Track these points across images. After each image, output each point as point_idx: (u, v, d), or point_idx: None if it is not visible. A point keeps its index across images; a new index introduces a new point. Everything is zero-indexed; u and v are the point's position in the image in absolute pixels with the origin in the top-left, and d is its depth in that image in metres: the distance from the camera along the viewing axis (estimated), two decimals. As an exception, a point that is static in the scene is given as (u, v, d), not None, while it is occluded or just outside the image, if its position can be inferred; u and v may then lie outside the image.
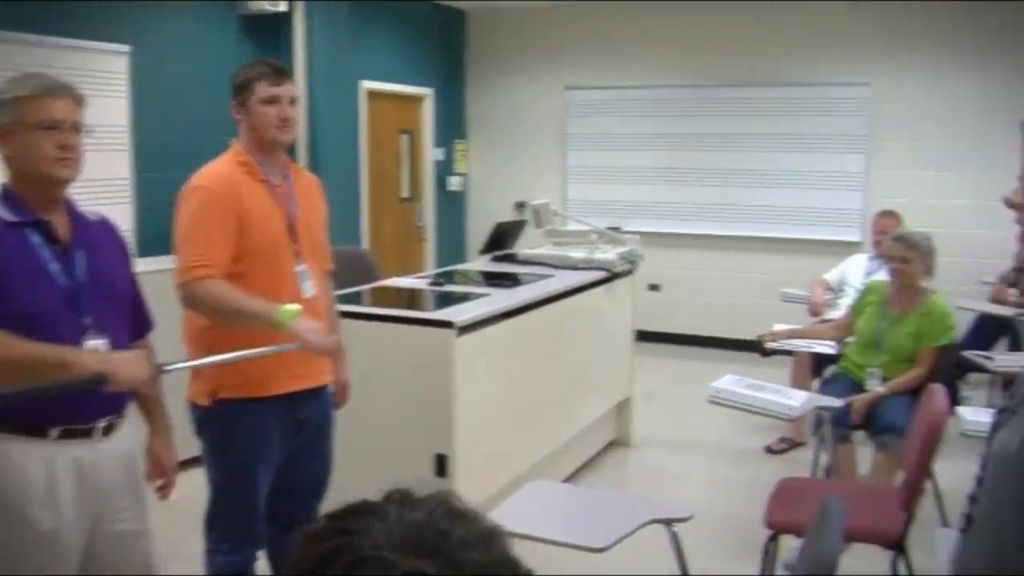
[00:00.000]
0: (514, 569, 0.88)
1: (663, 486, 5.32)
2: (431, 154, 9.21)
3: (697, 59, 8.64)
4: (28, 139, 2.43)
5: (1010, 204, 1.11)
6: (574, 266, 5.47)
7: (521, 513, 2.84)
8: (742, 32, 8.40)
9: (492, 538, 0.87)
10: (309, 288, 3.14)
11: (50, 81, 2.50)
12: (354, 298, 4.45)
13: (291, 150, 6.95)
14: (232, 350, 2.84)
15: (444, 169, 9.43)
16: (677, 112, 8.76)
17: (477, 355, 4.10)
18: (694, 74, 8.64)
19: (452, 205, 9.60)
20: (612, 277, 5.55)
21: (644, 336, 7.37)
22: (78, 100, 2.51)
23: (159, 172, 5.79)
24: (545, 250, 5.84)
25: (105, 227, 2.71)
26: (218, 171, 3.07)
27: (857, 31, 8.02)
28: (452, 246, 9.43)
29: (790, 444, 5.82)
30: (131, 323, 2.69)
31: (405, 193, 9.03)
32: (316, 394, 3.22)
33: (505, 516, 2.71)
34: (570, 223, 6.43)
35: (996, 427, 1.44)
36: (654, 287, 8.75)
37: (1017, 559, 1.32)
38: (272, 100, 3.05)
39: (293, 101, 3.11)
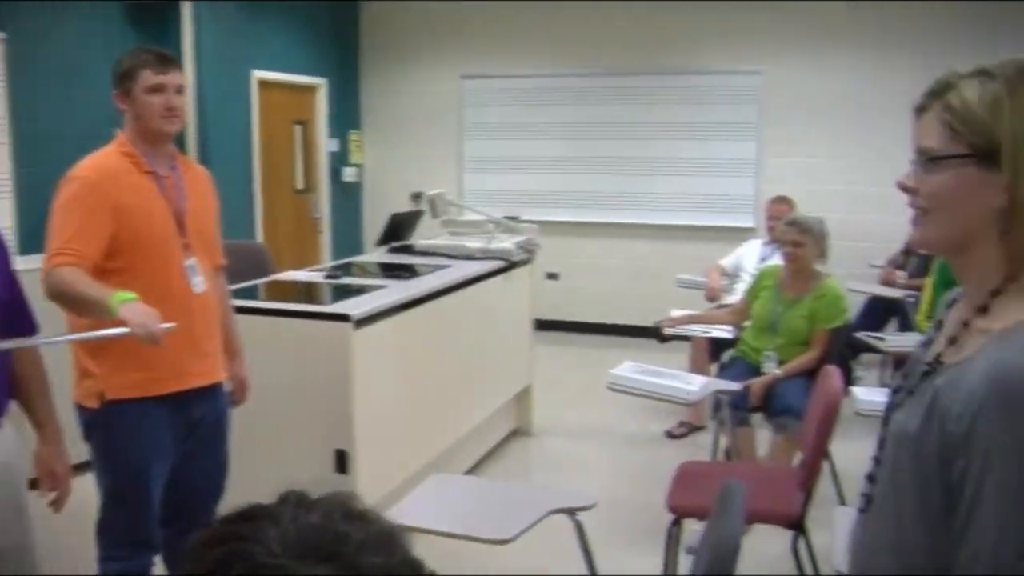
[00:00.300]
0: (416, 570, 0.85)
1: (565, 474, 5.33)
2: (325, 145, 9.08)
3: (593, 48, 8.67)
4: None
5: (903, 188, 1.13)
6: (471, 256, 5.44)
7: (423, 508, 2.80)
8: (638, 22, 8.46)
9: (393, 540, 0.84)
10: (199, 283, 3.05)
11: None
12: (248, 293, 4.34)
13: (180, 141, 6.84)
14: (118, 346, 2.75)
15: (339, 160, 9.30)
16: (573, 101, 8.79)
17: (375, 348, 4.04)
18: (590, 63, 8.68)
19: (348, 196, 9.48)
20: (510, 266, 5.53)
21: (544, 325, 7.40)
22: None
23: (41, 166, 5.56)
24: (442, 240, 5.80)
25: None
26: (99, 162, 2.94)
27: (749, 20, 8.15)
28: (348, 238, 9.32)
29: (690, 428, 5.90)
30: (13, 325, 2.56)
31: (300, 185, 8.88)
32: (209, 392, 3.12)
33: (406, 511, 2.68)
34: (467, 213, 6.40)
35: (892, 407, 1.45)
36: (552, 276, 8.78)
37: (916, 538, 1.33)
38: (157, 89, 2.93)
39: (180, 90, 2.99)
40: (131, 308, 2.55)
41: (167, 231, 2.98)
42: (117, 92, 2.97)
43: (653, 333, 5.38)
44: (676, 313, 5.53)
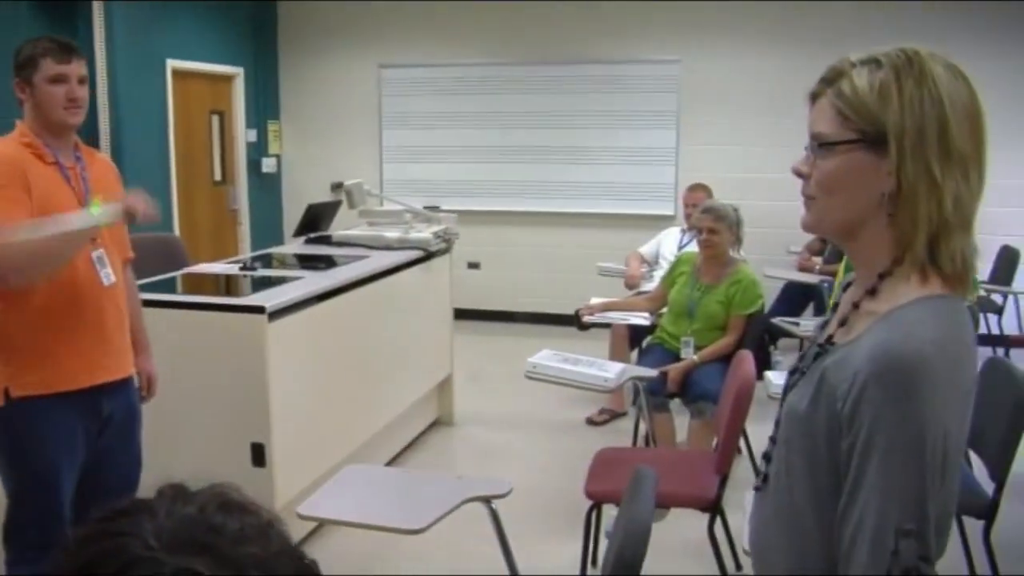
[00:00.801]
0: (296, 561, 0.84)
1: (487, 463, 5.34)
2: (243, 135, 8.95)
3: (511, 38, 8.68)
4: None
5: (797, 173, 1.15)
6: (389, 246, 5.41)
7: (336, 499, 2.79)
8: (556, 11, 8.48)
9: (270, 531, 0.83)
10: (108, 275, 2.99)
11: None
12: (161, 286, 4.26)
13: (93, 132, 6.69)
14: (24, 339, 2.72)
15: (257, 151, 9.17)
16: (493, 90, 8.79)
17: (291, 340, 4.00)
18: (508, 53, 8.68)
19: (267, 187, 9.37)
20: (428, 256, 5.51)
21: (465, 314, 7.41)
22: None
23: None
24: (360, 231, 5.76)
25: None
26: (2, 150, 2.86)
27: (670, 10, 8.22)
28: (268, 229, 9.20)
29: (611, 415, 5.95)
30: None
31: (217, 176, 8.75)
32: (120, 387, 3.08)
33: (319, 503, 2.66)
34: (385, 203, 6.37)
35: (787, 388, 1.49)
36: (474, 265, 8.79)
37: (807, 516, 1.36)
38: (59, 79, 2.86)
39: (82, 80, 2.93)
40: (110, 206, 2.84)
41: (73, 223, 2.92)
42: (17, 81, 2.90)
43: (574, 321, 5.42)
44: (595, 301, 5.57)
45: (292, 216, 8.64)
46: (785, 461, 1.42)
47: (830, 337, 1.41)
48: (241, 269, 4.79)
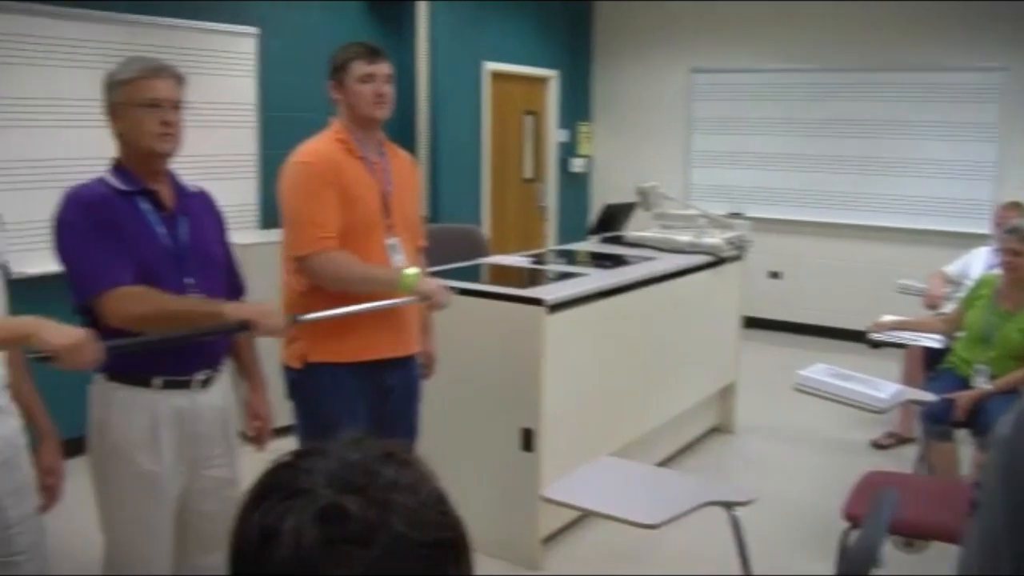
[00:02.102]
0: (441, 518, 0.93)
1: (761, 474, 5.27)
2: (555, 135, 9.29)
3: (826, 43, 8.44)
4: (134, 117, 2.63)
5: None
6: (680, 249, 5.47)
7: (581, 485, 2.91)
8: (873, 15, 8.16)
9: (423, 486, 0.94)
10: (399, 261, 3.27)
11: (153, 63, 2.68)
12: (453, 273, 4.55)
13: (411, 130, 7.20)
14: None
15: (567, 151, 9.49)
16: (803, 97, 8.60)
17: (569, 333, 4.16)
18: (822, 58, 8.46)
19: (575, 186, 9.66)
20: (719, 262, 5.52)
21: (759, 323, 7.33)
22: (178, 80, 2.70)
23: (281, 149, 5.99)
24: (652, 233, 5.86)
25: (204, 198, 2.92)
26: (316, 147, 3.23)
27: (994, 14, 7.71)
28: (573, 227, 9.47)
29: (897, 440, 5.71)
30: (227, 286, 2.87)
31: (528, 174, 9.13)
32: (403, 363, 3.35)
33: (565, 487, 2.79)
34: (679, 206, 6.42)
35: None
36: (775, 274, 8.65)
37: (1003, 543, 1.34)
38: (367, 78, 3.19)
39: (388, 79, 3.24)
40: (425, 283, 3.12)
41: (374, 212, 3.23)
42: (332, 82, 3.26)
43: (865, 338, 5.26)
44: (887, 318, 5.36)
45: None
46: (988, 487, 1.40)
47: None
48: (533, 263, 5.03)
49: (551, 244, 9.04)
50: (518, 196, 9.01)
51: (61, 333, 2.10)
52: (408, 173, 3.47)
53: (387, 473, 0.92)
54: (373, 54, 3.22)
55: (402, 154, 3.51)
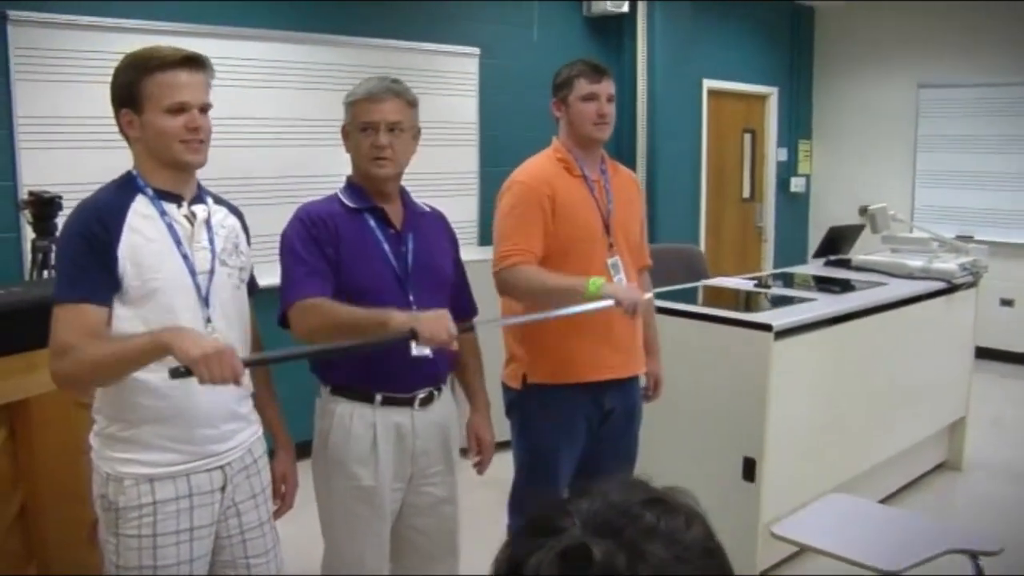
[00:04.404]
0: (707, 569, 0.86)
1: (990, 516, 4.87)
2: (774, 154, 9.03)
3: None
4: (354, 139, 2.72)
5: None
6: (910, 275, 5.15)
7: (814, 524, 2.74)
8: None
9: (685, 535, 0.86)
10: (620, 280, 3.19)
11: (373, 86, 2.70)
12: (678, 295, 4.44)
13: (631, 147, 7.13)
14: (541, 334, 3.01)
15: (787, 170, 9.20)
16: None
17: (796, 360, 3.98)
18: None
19: (793, 207, 9.35)
20: (952, 288, 5.18)
21: (990, 354, 6.85)
22: (401, 102, 2.70)
23: (499, 167, 6.08)
24: (880, 257, 5.55)
25: (436, 218, 2.94)
26: (535, 167, 3.21)
27: None
28: (792, 248, 9.18)
29: None
30: (455, 308, 2.84)
31: (746, 193, 8.91)
32: (624, 384, 3.27)
33: (796, 525, 2.64)
34: (910, 230, 6.08)
35: None
36: (1007, 302, 8.05)
37: None
38: (590, 97, 3.14)
39: (610, 99, 3.18)
40: (610, 286, 2.91)
41: (594, 230, 3.17)
42: (554, 100, 3.23)
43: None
44: None
45: (817, 237, 8.53)
46: None
47: None
48: (756, 286, 4.86)
49: (768, 266, 8.79)
50: (735, 216, 8.80)
51: (197, 344, 2.02)
52: (630, 191, 3.39)
53: (647, 519, 0.86)
54: (597, 72, 3.17)
55: (624, 172, 3.44)
